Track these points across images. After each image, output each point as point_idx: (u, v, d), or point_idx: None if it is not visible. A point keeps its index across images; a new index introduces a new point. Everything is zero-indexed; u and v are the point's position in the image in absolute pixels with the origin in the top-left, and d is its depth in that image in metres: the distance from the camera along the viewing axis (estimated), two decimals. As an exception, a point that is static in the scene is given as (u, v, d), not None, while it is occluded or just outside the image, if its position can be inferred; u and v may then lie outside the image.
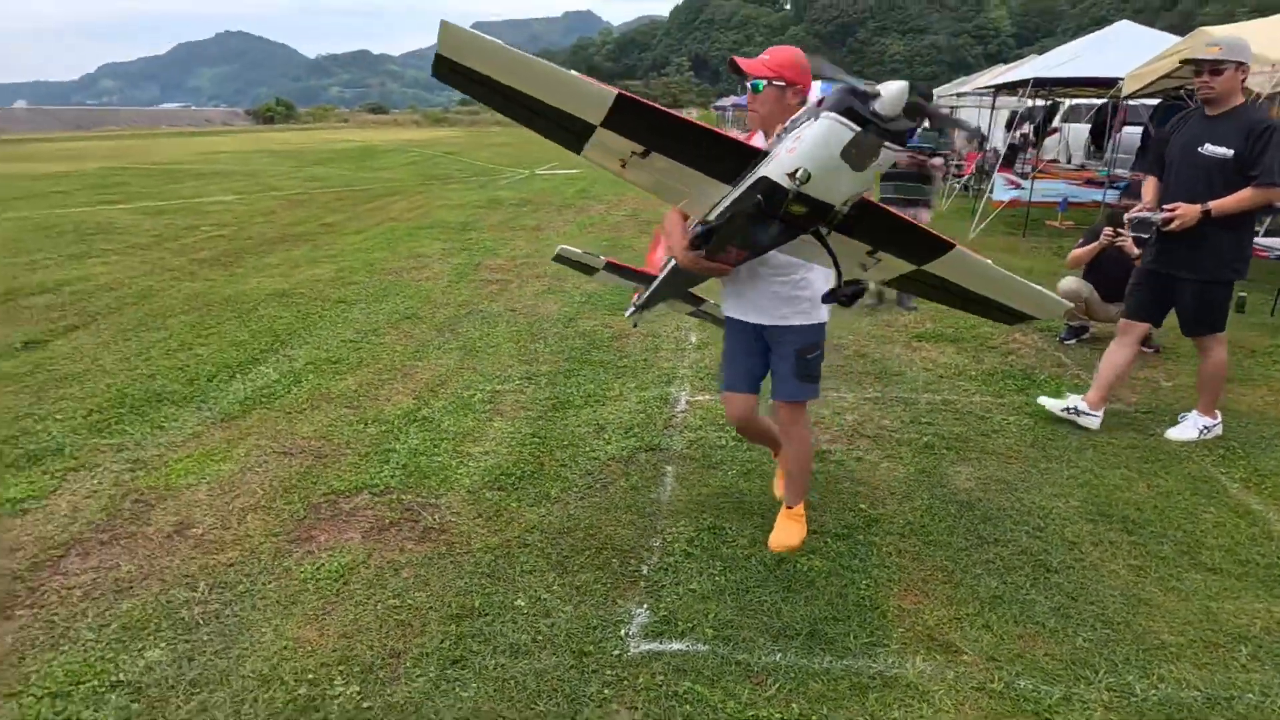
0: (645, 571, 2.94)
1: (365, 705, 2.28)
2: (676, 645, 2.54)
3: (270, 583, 2.87)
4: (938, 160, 6.71)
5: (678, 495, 3.55)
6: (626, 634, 2.59)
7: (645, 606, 2.73)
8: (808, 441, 3.15)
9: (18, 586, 2.84)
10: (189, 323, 6.23)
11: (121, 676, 2.38)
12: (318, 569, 2.95)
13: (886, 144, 2.01)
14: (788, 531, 3.12)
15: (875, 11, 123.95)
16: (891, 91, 1.95)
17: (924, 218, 6.82)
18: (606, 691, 2.33)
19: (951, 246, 2.36)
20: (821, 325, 2.96)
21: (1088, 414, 4.21)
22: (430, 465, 3.82)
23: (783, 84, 2.72)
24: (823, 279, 2.84)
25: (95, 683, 2.35)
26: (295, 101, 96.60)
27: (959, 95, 18.01)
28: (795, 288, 2.86)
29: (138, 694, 2.32)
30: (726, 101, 50.71)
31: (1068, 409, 4.26)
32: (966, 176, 15.60)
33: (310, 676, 2.39)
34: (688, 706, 2.27)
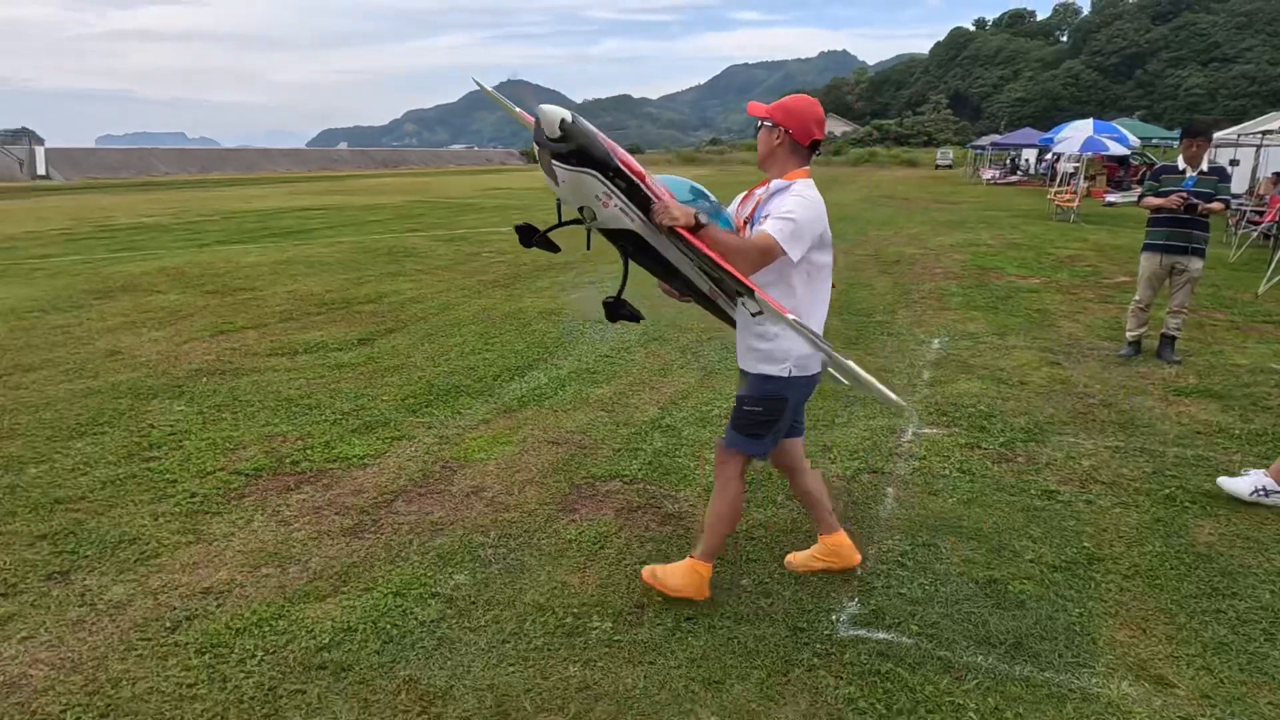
0: (859, 573, 3.23)
1: (616, 639, 2.80)
2: (882, 635, 2.82)
3: (544, 539, 3.52)
4: (1216, 205, 6.27)
5: (896, 514, 3.79)
6: (837, 619, 2.91)
7: (856, 600, 3.04)
8: (729, 495, 2.96)
9: (365, 518, 3.73)
10: (478, 332, 7.36)
11: (438, 590, 3.10)
12: (580, 533, 3.56)
13: (554, 161, 2.41)
14: (677, 573, 3.03)
15: (1169, 40, 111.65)
16: (540, 114, 2.35)
17: (1195, 267, 6.40)
18: (816, 660, 2.68)
19: (751, 290, 2.60)
20: (774, 379, 2.85)
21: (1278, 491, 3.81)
22: (672, 464, 4.36)
23: (770, 124, 2.83)
24: (789, 337, 2.83)
25: (420, 590, 3.09)
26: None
27: (1264, 134, 15.99)
28: (757, 336, 2.87)
29: (449, 604, 3.02)
30: (985, 140, 48.14)
31: (1257, 490, 3.82)
32: (1268, 223, 13.87)
33: (575, 611, 2.96)
34: (889, 683, 2.56)
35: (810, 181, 2.85)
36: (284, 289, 9.43)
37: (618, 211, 2.65)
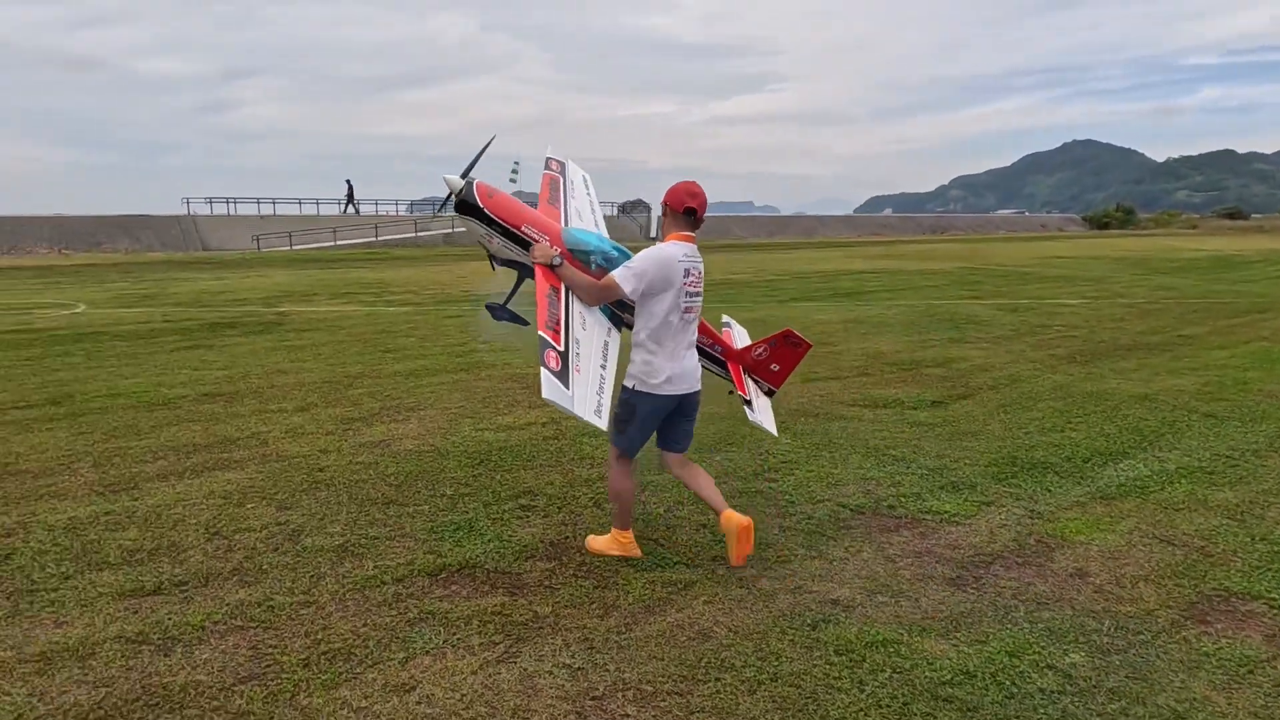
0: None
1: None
2: None
3: (1170, 643, 3.23)
4: None
5: None
6: None
7: None
8: (612, 478, 3.92)
9: (965, 573, 3.87)
10: (1056, 409, 7.00)
11: (1054, 663, 3.08)
12: (1218, 649, 3.18)
13: (455, 213, 4.16)
14: (601, 540, 4.03)
15: None
16: (445, 181, 4.09)
17: None
18: None
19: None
20: (626, 389, 3.78)
21: None
22: (1342, 600, 3.60)
23: (662, 206, 3.85)
24: (638, 362, 3.77)
25: (1035, 658, 3.11)
26: (1136, 206, 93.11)
27: None
28: (632, 351, 3.79)
29: (1068, 680, 2.97)
30: None
31: None
32: None
33: (1222, 731, 2.67)
34: None
35: (676, 243, 3.73)
36: (856, 346, 10.20)
37: (501, 246, 4.14)
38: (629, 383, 3.81)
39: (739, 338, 4.84)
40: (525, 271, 4.13)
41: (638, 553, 3.98)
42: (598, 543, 4.05)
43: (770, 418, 4.55)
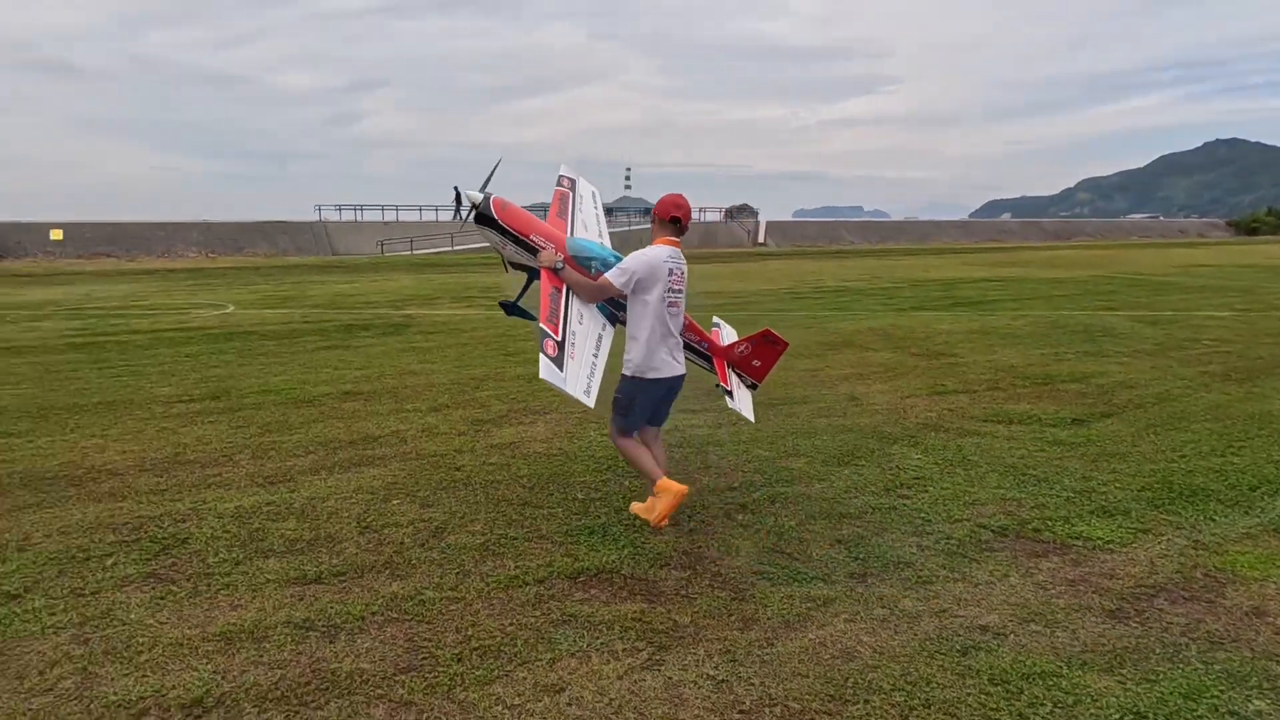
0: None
1: None
2: None
3: (1371, 696, 2.95)
4: None
5: None
6: None
7: None
8: (631, 454, 4.28)
9: (1125, 605, 3.65)
10: (1214, 430, 6.51)
11: (1236, 709, 2.87)
12: None
13: (474, 223, 4.68)
14: (656, 505, 4.16)
15: None
16: (463, 194, 4.66)
17: None
18: None
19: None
20: (626, 377, 4.25)
21: None
22: None
23: (651, 216, 4.41)
24: (634, 352, 4.24)
25: (1213, 702, 2.90)
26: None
27: None
28: (628, 343, 4.28)
29: (1253, 728, 2.77)
30: None
31: None
32: None
33: None
34: None
35: (663, 246, 4.23)
36: (983, 358, 9.80)
37: (513, 252, 4.62)
38: (627, 371, 4.26)
39: (726, 336, 5.32)
40: (534, 274, 4.61)
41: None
42: (649, 506, 4.23)
43: (749, 407, 4.96)
